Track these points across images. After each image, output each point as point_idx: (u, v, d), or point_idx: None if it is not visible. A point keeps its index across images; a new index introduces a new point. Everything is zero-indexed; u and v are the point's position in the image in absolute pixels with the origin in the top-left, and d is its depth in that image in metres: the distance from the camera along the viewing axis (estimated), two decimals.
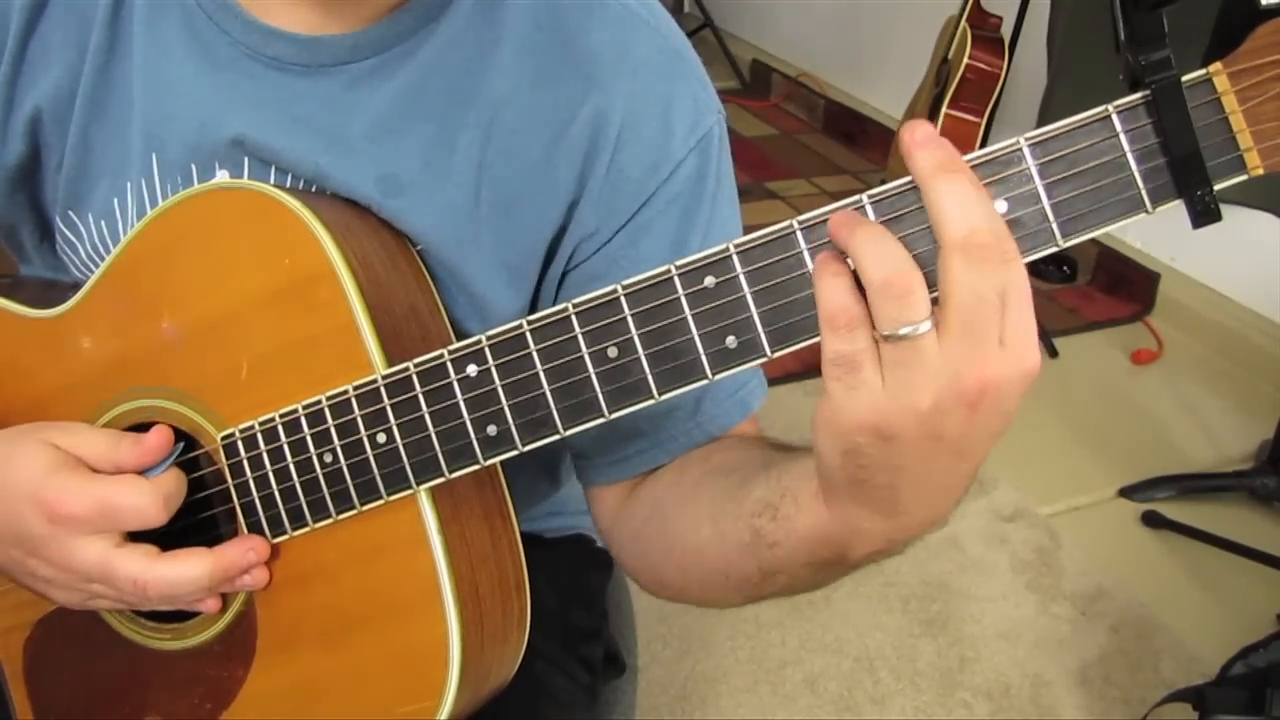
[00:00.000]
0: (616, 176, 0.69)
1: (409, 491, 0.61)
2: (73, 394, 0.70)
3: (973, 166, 0.47)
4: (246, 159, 0.70)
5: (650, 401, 0.54)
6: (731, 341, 0.52)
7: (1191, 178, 0.47)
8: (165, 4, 0.69)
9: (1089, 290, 2.76)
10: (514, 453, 0.58)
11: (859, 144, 3.55)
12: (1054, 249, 0.48)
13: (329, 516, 0.63)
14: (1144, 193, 0.47)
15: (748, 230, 0.52)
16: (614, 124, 0.68)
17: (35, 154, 0.74)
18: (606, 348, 0.54)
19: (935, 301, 0.46)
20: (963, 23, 2.46)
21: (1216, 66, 0.47)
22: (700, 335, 0.52)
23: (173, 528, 0.65)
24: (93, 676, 0.73)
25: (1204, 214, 0.47)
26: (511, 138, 0.69)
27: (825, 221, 0.49)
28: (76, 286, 0.71)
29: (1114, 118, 0.47)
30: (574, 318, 0.54)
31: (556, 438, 0.57)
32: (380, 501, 0.61)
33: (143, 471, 0.65)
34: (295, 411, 0.62)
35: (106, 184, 0.73)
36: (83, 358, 0.70)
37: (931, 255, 0.47)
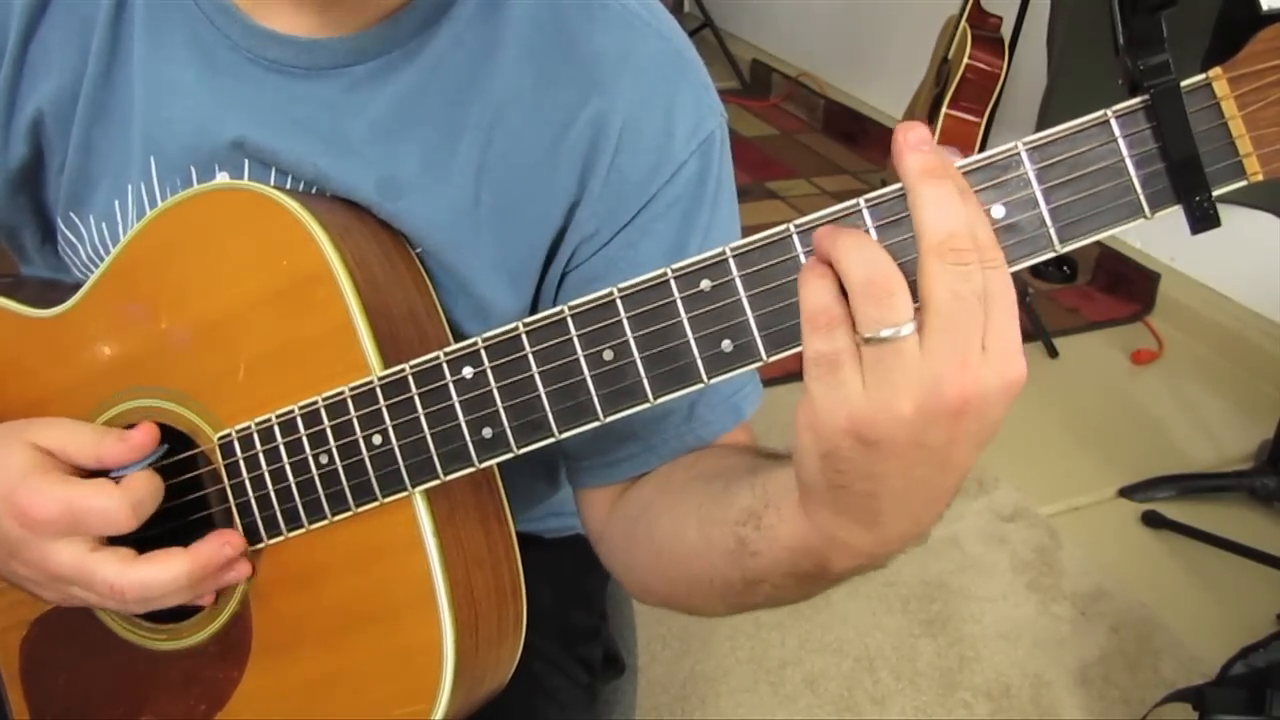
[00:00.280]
0: (617, 179, 0.69)
1: (404, 493, 0.61)
2: (72, 393, 0.70)
3: (970, 171, 0.47)
4: (246, 161, 0.69)
5: (645, 405, 0.54)
6: (727, 345, 0.51)
7: (1190, 183, 0.46)
8: (166, 7, 0.69)
9: (1089, 290, 2.76)
10: (509, 455, 0.58)
11: (859, 144, 3.54)
12: (1052, 254, 0.48)
13: (324, 518, 0.63)
14: (1142, 198, 0.47)
15: (747, 231, 0.52)
16: (615, 126, 0.68)
17: (37, 156, 0.74)
18: (602, 350, 0.54)
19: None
20: (963, 23, 2.46)
21: (1216, 71, 0.46)
22: (696, 339, 0.52)
23: (169, 530, 0.65)
24: (89, 677, 0.73)
25: (1203, 220, 0.47)
26: (512, 140, 0.68)
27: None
28: (77, 287, 0.71)
29: (1112, 122, 0.47)
30: (570, 320, 0.54)
31: (551, 440, 0.57)
32: (375, 503, 0.61)
33: (110, 472, 0.64)
34: (291, 413, 0.62)
35: (107, 186, 0.72)
36: (82, 357, 0.70)
37: None
